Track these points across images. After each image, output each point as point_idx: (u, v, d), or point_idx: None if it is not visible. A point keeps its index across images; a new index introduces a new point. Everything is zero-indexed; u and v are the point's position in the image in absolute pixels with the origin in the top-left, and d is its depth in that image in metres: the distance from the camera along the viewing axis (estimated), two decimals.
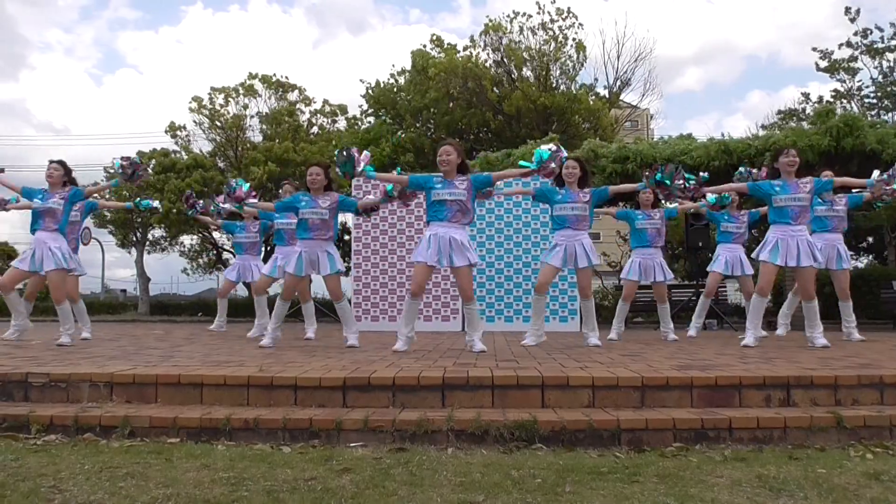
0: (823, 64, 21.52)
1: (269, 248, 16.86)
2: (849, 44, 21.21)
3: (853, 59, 21.18)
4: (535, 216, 10.36)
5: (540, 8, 21.97)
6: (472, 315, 5.56)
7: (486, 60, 22.37)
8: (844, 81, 21.54)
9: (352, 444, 3.14)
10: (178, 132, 26.61)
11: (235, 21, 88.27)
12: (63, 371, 3.79)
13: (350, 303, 10.81)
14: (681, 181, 6.27)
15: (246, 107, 26.44)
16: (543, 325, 6.40)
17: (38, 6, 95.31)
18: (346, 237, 23.71)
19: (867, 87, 21.11)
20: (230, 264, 8.87)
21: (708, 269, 8.12)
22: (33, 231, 6.18)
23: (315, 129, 27.34)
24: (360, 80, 31.39)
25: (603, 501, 2.36)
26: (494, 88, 21.65)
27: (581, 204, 6.12)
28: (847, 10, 21.01)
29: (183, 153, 26.33)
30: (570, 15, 22.04)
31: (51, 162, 6.36)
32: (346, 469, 2.71)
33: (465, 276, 5.43)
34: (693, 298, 12.55)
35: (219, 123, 26.28)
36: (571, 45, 22.03)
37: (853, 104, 20.84)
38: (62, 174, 6.34)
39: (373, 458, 2.89)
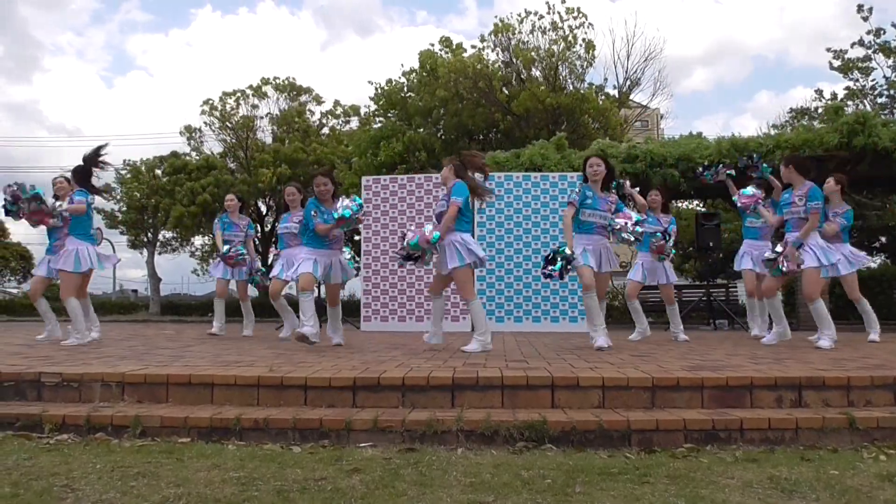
0: (837, 63, 21.37)
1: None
2: (861, 43, 21.07)
3: (867, 58, 21.03)
4: (545, 216, 10.33)
5: (550, 7, 21.94)
6: (474, 314, 5.55)
7: (494, 61, 22.35)
8: (858, 80, 21.37)
9: (361, 445, 3.14)
10: (193, 134, 26.81)
11: (244, 23, 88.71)
12: (75, 371, 3.82)
13: (360, 303, 10.86)
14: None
15: (255, 107, 26.60)
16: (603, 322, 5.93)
17: (51, 10, 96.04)
18: (357, 237, 23.81)
19: (881, 86, 20.95)
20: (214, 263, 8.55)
21: (736, 268, 7.95)
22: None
23: (326, 130, 27.46)
24: (369, 82, 31.44)
25: (613, 502, 2.35)
26: (503, 88, 21.62)
27: (608, 213, 5.90)
28: (860, 7, 20.86)
29: (195, 154, 26.51)
30: (580, 14, 21.99)
31: (55, 180, 6.84)
32: (355, 469, 2.71)
33: (456, 277, 5.51)
34: (704, 299, 12.49)
35: (229, 125, 26.44)
36: (581, 45, 21.97)
37: (866, 103, 20.67)
38: (67, 185, 6.69)
39: (382, 459, 2.89)
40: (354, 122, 27.05)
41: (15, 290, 32.66)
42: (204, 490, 2.42)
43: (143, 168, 25.93)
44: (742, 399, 3.57)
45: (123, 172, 26.44)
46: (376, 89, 23.03)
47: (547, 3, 21.89)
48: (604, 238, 5.94)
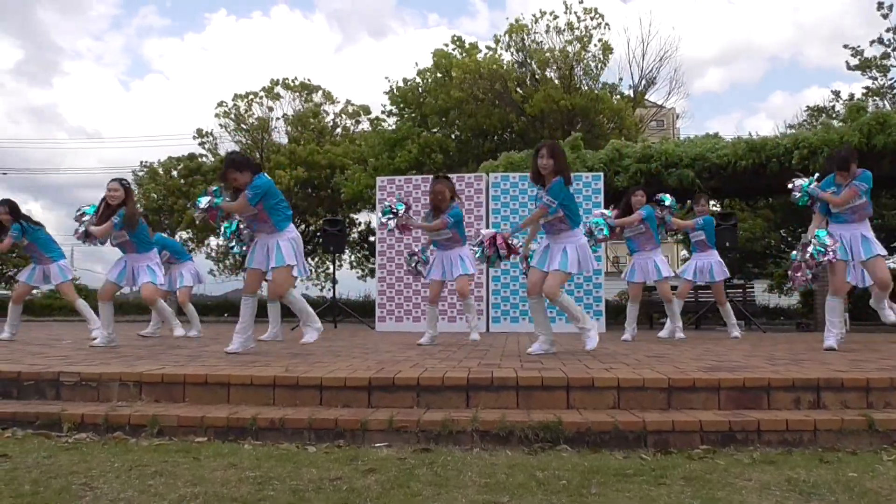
0: (854, 62, 21.16)
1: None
2: (880, 41, 20.86)
3: (885, 56, 20.81)
4: None
5: (567, 7, 21.84)
6: (469, 307, 7.14)
7: (509, 62, 22.30)
8: (876, 79, 21.15)
9: (377, 445, 3.15)
10: (205, 138, 27.00)
11: (258, 27, 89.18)
12: (94, 370, 3.86)
13: (375, 304, 10.90)
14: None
15: (271, 109, 26.75)
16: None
17: (71, 15, 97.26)
18: (371, 238, 23.85)
19: None
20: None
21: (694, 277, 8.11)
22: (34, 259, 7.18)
23: (339, 131, 27.53)
24: (385, 78, 31.42)
25: (628, 503, 2.34)
26: (518, 89, 21.56)
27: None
28: (880, 5, 20.67)
29: (209, 156, 26.71)
30: (598, 15, 21.88)
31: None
32: (371, 469, 2.72)
33: (462, 282, 6.88)
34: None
35: (244, 126, 26.60)
36: (596, 45, 21.87)
37: (885, 102, 20.46)
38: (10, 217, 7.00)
39: (398, 459, 2.90)
40: (366, 124, 27.10)
41: (34, 291, 32.95)
42: (220, 489, 2.43)
43: (159, 169, 26.16)
44: (759, 400, 3.54)
45: (141, 174, 26.70)
46: (392, 87, 23.01)
47: (564, 2, 21.82)
48: (558, 231, 5.28)
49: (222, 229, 5.84)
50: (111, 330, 6.07)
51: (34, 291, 7.22)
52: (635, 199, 7.50)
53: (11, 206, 6.97)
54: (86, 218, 6.11)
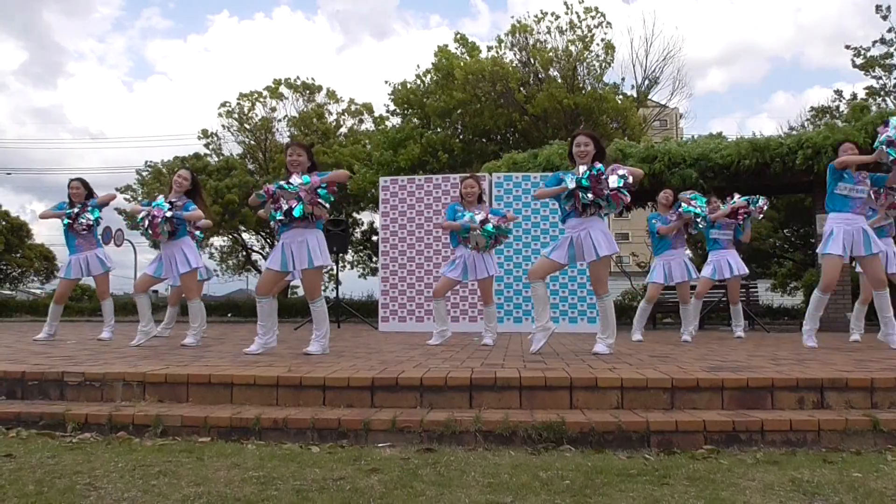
0: (859, 61, 21.11)
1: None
2: (882, 41, 20.82)
3: (888, 55, 20.77)
4: None
5: (567, 7, 21.80)
6: (490, 315, 6.75)
7: (511, 61, 22.27)
8: (881, 78, 21.11)
9: (380, 445, 3.15)
10: (209, 138, 27.06)
11: (260, 28, 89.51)
12: (97, 370, 3.86)
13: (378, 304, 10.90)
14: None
15: (274, 109, 26.79)
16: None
17: (75, 17, 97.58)
18: (374, 237, 23.86)
19: None
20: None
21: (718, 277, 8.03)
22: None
23: (343, 130, 27.56)
24: (386, 82, 31.31)
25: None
26: (521, 88, 21.52)
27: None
28: (878, 7, 20.65)
29: (214, 156, 26.78)
30: (598, 14, 21.83)
31: (72, 181, 7.09)
32: (374, 469, 2.72)
33: (487, 287, 6.68)
34: (723, 300, 12.36)
35: (247, 126, 26.65)
36: (599, 45, 21.83)
37: (889, 101, 20.42)
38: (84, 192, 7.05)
39: (401, 459, 2.90)
40: (369, 122, 27.10)
41: (38, 291, 33.09)
42: (224, 489, 2.43)
43: (163, 170, 26.21)
44: (763, 400, 3.54)
45: (145, 174, 26.76)
46: (394, 89, 22.98)
47: (565, 2, 21.79)
48: (590, 220, 5.20)
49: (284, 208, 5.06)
50: (145, 322, 6.19)
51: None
52: (663, 197, 7.59)
53: (84, 182, 7.13)
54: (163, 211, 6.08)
